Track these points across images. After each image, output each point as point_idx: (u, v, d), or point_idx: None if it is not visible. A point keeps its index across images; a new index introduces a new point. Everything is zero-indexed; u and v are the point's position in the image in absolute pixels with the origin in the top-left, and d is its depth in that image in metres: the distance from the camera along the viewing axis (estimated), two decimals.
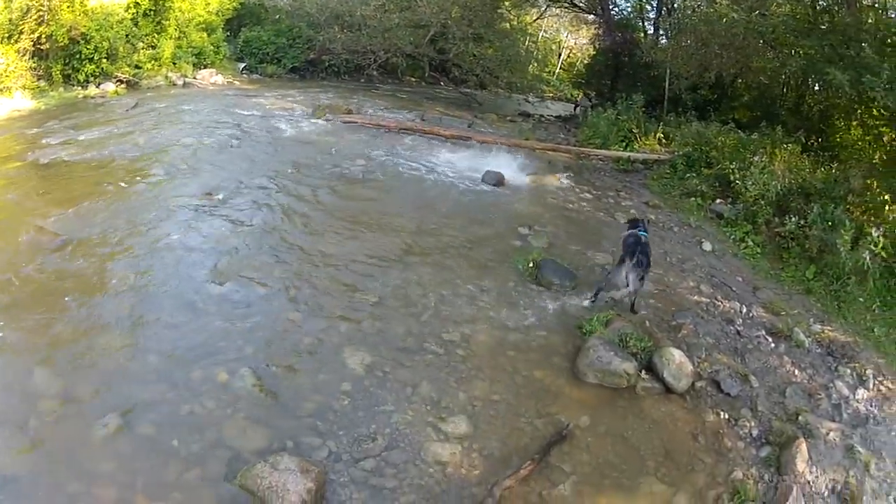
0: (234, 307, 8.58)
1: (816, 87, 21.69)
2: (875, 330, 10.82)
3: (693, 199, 16.50)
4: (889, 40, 15.64)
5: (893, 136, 16.60)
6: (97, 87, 22.00)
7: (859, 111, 18.50)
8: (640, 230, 10.78)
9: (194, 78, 26.15)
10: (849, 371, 9.53)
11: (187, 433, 6.40)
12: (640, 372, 8.51)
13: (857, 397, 8.98)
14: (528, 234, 12.64)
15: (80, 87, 21.66)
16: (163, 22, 26.02)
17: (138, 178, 12.79)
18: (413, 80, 38.26)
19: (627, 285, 9.89)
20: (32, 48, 20.21)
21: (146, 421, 6.46)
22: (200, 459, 6.14)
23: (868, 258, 11.43)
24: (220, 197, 12.15)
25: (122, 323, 7.95)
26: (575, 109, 37.03)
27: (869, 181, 14.13)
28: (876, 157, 17.37)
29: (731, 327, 10.33)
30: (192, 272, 9.33)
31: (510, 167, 17.67)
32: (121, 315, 8.09)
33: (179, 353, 7.53)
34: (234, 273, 9.39)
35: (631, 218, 12.18)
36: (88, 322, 7.90)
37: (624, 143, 21.80)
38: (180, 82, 25.20)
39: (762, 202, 14.32)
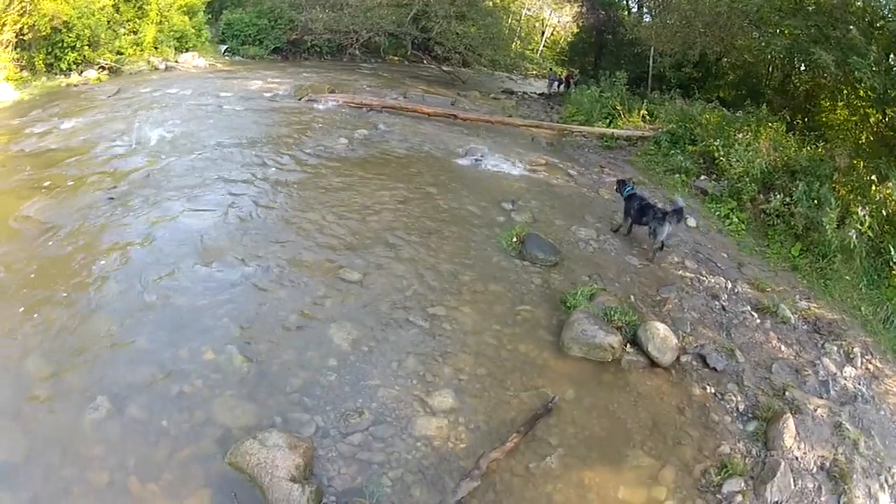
0: (219, 286, 8.55)
1: (802, 68, 21.73)
2: (862, 308, 10.89)
3: (677, 175, 16.54)
4: (877, 23, 15.66)
5: (879, 117, 16.62)
6: (80, 74, 21.86)
7: (845, 92, 18.53)
8: (630, 189, 11.79)
9: (176, 62, 26.12)
10: (836, 348, 9.59)
11: (177, 413, 6.42)
12: (625, 345, 8.54)
13: (844, 375, 9.05)
14: (512, 210, 12.65)
15: (63, 76, 21.54)
16: (144, 7, 25.90)
17: (121, 164, 12.73)
18: (396, 59, 38.35)
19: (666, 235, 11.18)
20: (15, 39, 20.07)
21: (136, 403, 6.47)
22: (190, 439, 6.18)
23: (854, 237, 11.49)
24: (202, 179, 12.08)
25: (110, 306, 7.94)
26: (558, 87, 37.07)
27: (855, 161, 14.22)
28: (862, 137, 17.44)
29: (717, 302, 10.38)
30: (177, 254, 9.26)
31: (493, 143, 17.70)
32: (108, 299, 8.09)
33: (167, 334, 7.52)
34: (219, 253, 9.36)
35: (619, 179, 12.63)
36: (76, 307, 7.88)
37: (608, 120, 21.91)
38: (162, 66, 25.09)
39: (747, 179, 14.38)
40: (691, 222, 13.54)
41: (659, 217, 11.13)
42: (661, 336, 8.55)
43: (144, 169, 12.43)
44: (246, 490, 5.75)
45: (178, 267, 8.92)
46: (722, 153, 15.33)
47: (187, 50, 27.70)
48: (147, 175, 12.09)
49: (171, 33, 27.27)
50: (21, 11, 19.69)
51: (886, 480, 7.39)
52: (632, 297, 10.01)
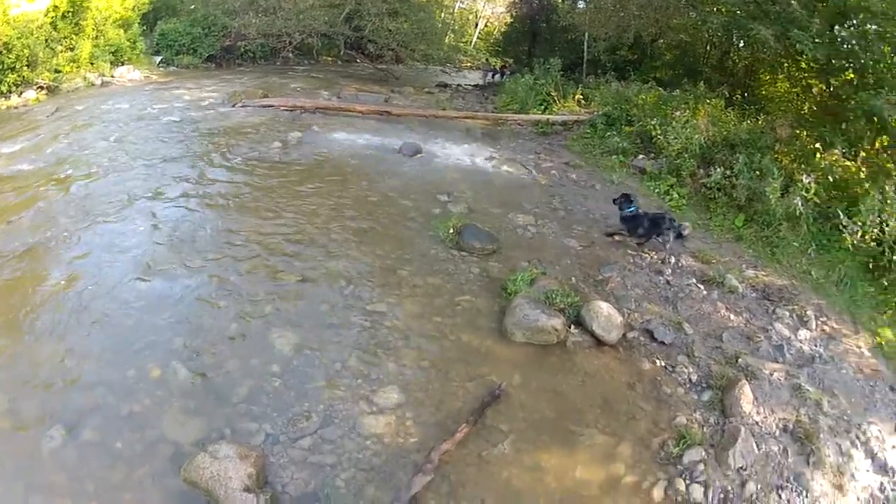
0: (161, 301, 8.52)
1: (741, 45, 21.92)
2: (812, 272, 11.03)
3: (615, 156, 16.67)
4: None
5: (823, 87, 16.79)
6: (19, 96, 21.27)
7: (786, 65, 18.72)
8: (633, 208, 11.52)
9: (112, 76, 25.58)
10: (787, 313, 9.74)
11: (129, 433, 6.40)
12: (569, 327, 8.64)
13: (799, 338, 9.19)
14: (448, 201, 12.77)
15: (3, 98, 21.00)
16: (80, 22, 25.38)
17: (61, 185, 12.52)
18: (329, 59, 38.24)
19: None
20: None
21: (89, 427, 6.44)
22: (145, 458, 6.16)
23: (800, 204, 11.64)
24: (138, 194, 11.97)
25: (57, 331, 7.87)
26: (493, 77, 37.17)
27: (798, 131, 14.42)
28: (805, 107, 17.62)
29: (661, 278, 10.52)
30: (118, 272, 9.19)
31: (427, 137, 17.92)
32: (55, 323, 8.01)
33: (113, 355, 7.48)
34: (160, 267, 9.32)
35: (623, 193, 12.26)
36: (24, 334, 7.81)
37: (542, 107, 22.17)
38: (98, 82, 24.56)
39: (686, 155, 14.54)
40: None
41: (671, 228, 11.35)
42: (605, 314, 8.65)
43: (82, 190, 12.23)
44: None
45: (120, 285, 8.86)
46: (659, 132, 15.49)
47: (122, 63, 27.11)
48: (85, 197, 11.91)
49: (107, 48, 26.63)
50: None
51: (858, 437, 7.50)
52: (573, 279, 10.12)
